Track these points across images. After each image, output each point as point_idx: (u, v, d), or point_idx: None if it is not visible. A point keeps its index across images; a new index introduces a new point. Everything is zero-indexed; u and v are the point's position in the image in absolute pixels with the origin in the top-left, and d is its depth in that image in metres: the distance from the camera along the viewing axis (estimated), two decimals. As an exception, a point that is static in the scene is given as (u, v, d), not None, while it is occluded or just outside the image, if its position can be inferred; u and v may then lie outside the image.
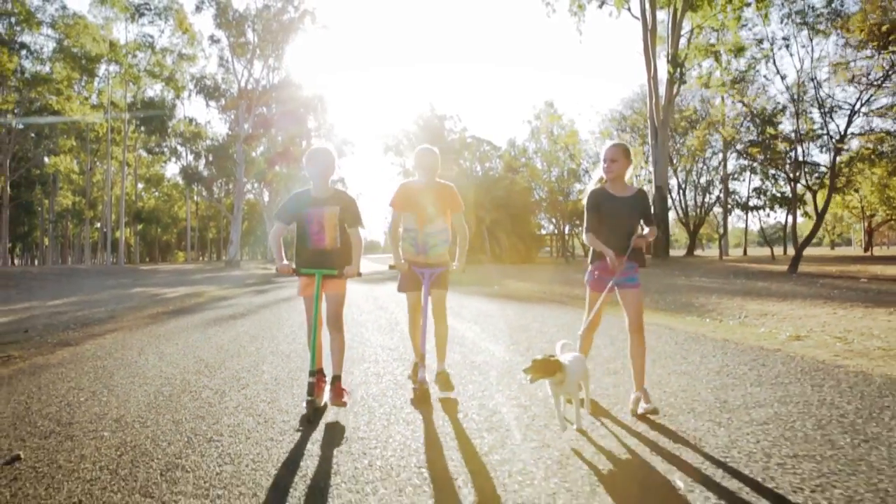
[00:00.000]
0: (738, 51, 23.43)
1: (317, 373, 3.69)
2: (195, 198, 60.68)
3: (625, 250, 3.64)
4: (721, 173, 45.32)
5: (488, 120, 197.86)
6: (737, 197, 45.83)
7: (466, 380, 4.52)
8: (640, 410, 3.46)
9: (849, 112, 20.41)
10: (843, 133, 16.66)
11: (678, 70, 23.96)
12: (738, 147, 40.80)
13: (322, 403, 3.70)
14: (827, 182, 36.33)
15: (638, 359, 3.64)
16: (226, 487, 2.46)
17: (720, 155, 44.83)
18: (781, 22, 33.66)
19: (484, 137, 54.55)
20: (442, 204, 4.15)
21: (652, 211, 3.86)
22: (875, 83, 16.54)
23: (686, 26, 26.62)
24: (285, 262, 3.75)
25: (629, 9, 26.75)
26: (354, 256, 3.86)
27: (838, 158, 33.80)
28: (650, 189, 25.45)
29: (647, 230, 3.72)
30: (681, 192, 48.94)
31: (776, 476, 2.54)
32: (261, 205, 49.20)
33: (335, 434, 3.23)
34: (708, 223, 54.79)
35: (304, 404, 3.50)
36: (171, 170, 59.22)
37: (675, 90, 25.41)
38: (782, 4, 31.87)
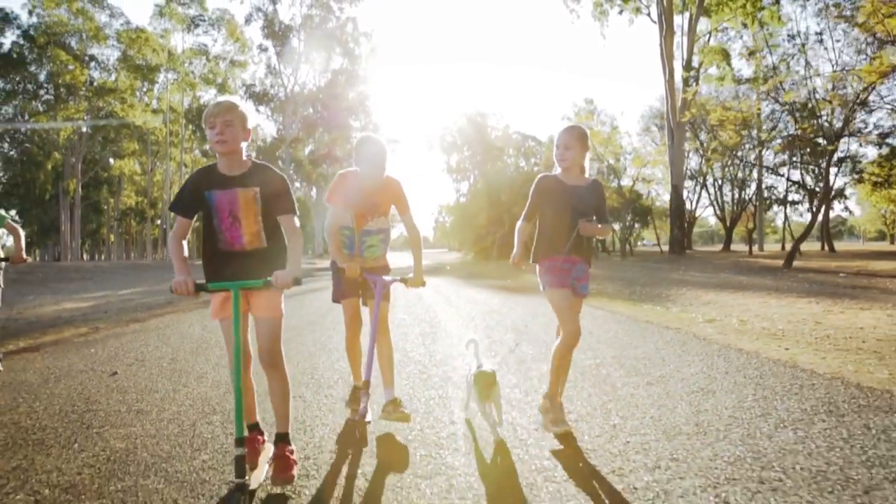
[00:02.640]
0: (751, 54, 24.34)
1: (252, 431, 2.80)
2: (247, 196, 64.10)
3: (571, 244, 3.28)
4: (757, 168, 45.41)
5: (526, 119, 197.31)
6: (775, 192, 46.01)
7: (410, 341, 6.36)
8: (552, 429, 3.20)
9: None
10: (838, 133, 17.41)
11: (692, 74, 25.04)
12: (776, 142, 41.12)
13: (257, 485, 2.60)
14: (868, 177, 36.49)
15: (558, 376, 3.38)
16: (228, 385, 4.39)
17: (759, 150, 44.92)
18: (818, 15, 34.08)
19: (528, 133, 55.72)
20: (385, 202, 3.56)
21: (605, 205, 3.44)
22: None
23: (706, 28, 27.64)
24: (180, 276, 2.45)
25: (649, 14, 27.91)
26: (291, 257, 2.69)
27: (880, 152, 34.03)
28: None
29: (598, 225, 3.30)
30: (717, 187, 49.33)
31: (541, 388, 4.27)
32: (309, 202, 52.26)
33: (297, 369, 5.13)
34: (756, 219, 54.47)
35: (230, 488, 2.48)
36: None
37: (691, 93, 26.46)
38: (818, -1, 32.31)
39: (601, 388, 4.23)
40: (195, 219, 2.73)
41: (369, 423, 3.33)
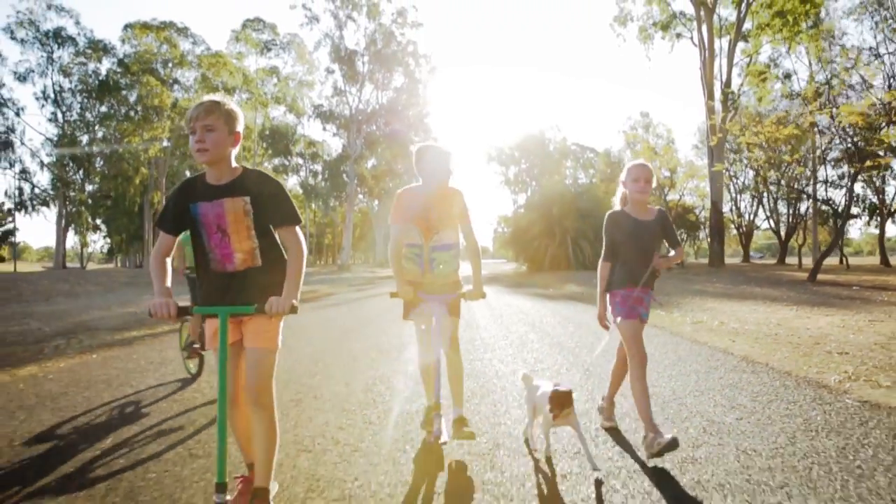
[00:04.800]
0: (787, 77, 25.46)
1: (252, 471, 2.54)
2: (313, 206, 68.12)
3: (647, 277, 3.47)
4: (812, 181, 45.17)
5: (580, 130, 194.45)
6: (833, 205, 45.44)
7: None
8: (656, 448, 3.00)
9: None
10: (858, 149, 17.76)
11: (729, 95, 26.30)
12: (833, 156, 41.01)
13: None
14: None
15: (642, 399, 3.32)
16: (310, 356, 6.62)
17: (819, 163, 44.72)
18: (876, 27, 34.37)
19: (586, 145, 56.17)
20: (450, 213, 3.47)
21: (674, 231, 3.64)
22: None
23: (750, 48, 28.77)
24: (160, 297, 2.23)
25: (691, 38, 29.28)
26: (289, 278, 2.36)
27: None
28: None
29: (672, 252, 3.62)
30: (772, 201, 49.19)
31: (488, 345, 6.32)
32: (371, 213, 55.81)
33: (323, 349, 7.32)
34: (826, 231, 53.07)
35: None
36: (292, 181, 66.67)
37: (729, 115, 27.63)
38: (876, 11, 32.80)
39: (566, 359, 6.24)
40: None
41: (444, 443, 3.33)
